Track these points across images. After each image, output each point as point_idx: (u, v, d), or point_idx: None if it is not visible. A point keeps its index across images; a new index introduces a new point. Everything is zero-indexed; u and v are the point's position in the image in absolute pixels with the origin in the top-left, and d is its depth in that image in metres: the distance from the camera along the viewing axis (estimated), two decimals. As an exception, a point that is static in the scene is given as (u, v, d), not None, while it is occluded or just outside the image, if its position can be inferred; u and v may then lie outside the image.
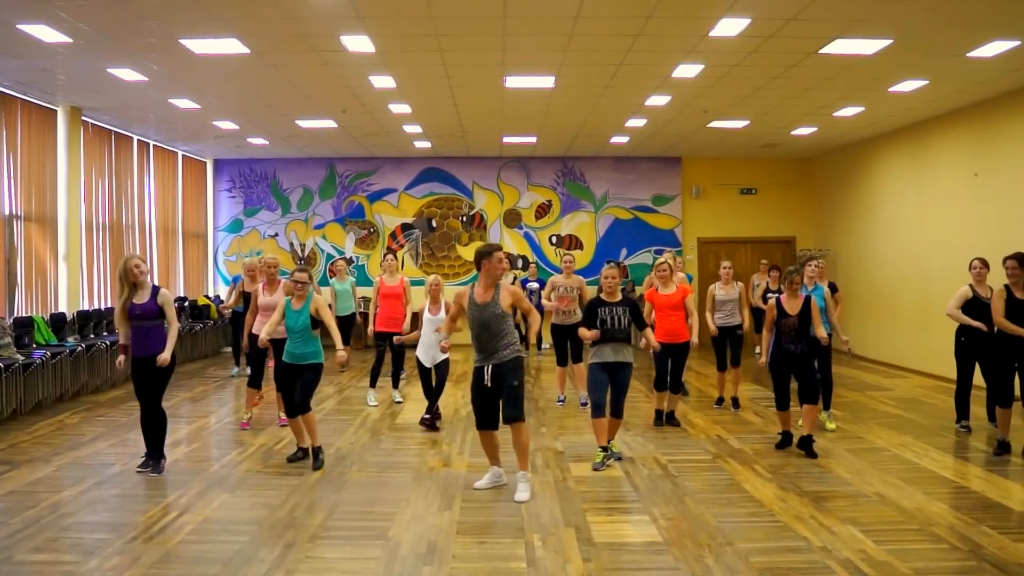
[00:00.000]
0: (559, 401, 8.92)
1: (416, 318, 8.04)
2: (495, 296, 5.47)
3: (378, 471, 6.20)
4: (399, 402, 8.92)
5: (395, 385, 9.04)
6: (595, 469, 6.18)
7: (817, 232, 15.08)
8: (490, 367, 5.47)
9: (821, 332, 6.77)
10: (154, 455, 6.09)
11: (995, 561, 4.30)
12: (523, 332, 13.28)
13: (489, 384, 5.46)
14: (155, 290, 6.00)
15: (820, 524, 4.89)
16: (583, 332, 6.18)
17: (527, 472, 5.59)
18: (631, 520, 5.05)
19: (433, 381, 7.65)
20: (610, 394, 6.27)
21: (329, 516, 5.09)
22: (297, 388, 6.26)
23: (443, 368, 7.65)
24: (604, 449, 6.29)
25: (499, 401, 5.52)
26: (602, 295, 6.32)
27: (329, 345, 6.56)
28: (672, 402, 7.82)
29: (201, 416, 8.41)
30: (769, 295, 8.40)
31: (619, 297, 6.30)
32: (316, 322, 6.32)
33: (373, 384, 9.00)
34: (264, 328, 6.49)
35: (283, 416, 7.82)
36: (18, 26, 6.95)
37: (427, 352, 7.62)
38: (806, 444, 6.62)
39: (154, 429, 6.06)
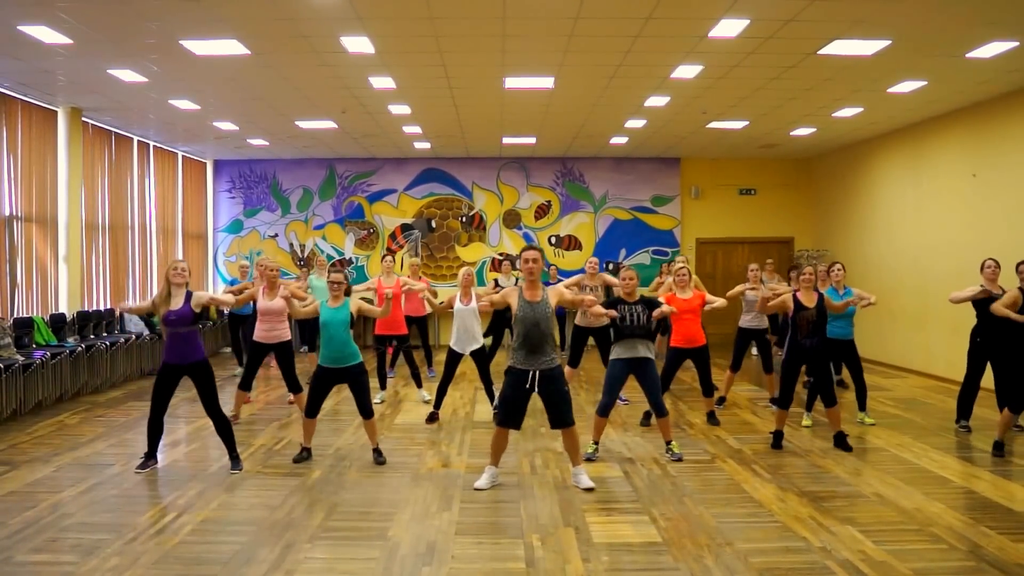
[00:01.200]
0: None
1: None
2: (544, 296, 5.56)
3: (377, 471, 6.21)
4: (428, 400, 8.90)
5: (419, 385, 9.09)
6: (587, 459, 6.34)
7: (816, 233, 15.10)
8: (537, 373, 5.49)
9: (843, 304, 7.04)
10: (232, 456, 6.23)
11: (994, 561, 4.30)
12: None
13: (536, 389, 5.51)
14: (188, 295, 6.02)
15: (819, 524, 4.90)
16: (597, 309, 6.08)
17: (582, 466, 5.83)
18: (630, 520, 5.05)
19: (453, 371, 7.90)
20: (646, 394, 6.42)
21: (328, 516, 5.09)
22: (357, 398, 6.34)
23: (481, 357, 7.92)
24: (596, 444, 6.56)
25: (525, 405, 5.61)
26: (621, 294, 6.41)
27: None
28: (708, 402, 7.90)
29: (201, 416, 8.36)
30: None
31: (637, 297, 6.40)
32: (352, 322, 6.44)
33: (383, 386, 9.11)
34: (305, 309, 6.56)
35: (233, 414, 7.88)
36: (18, 27, 6.96)
37: (461, 341, 7.80)
38: (840, 440, 6.79)
39: (223, 435, 6.20)
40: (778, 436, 6.89)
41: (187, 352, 5.96)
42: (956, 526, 4.87)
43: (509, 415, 5.60)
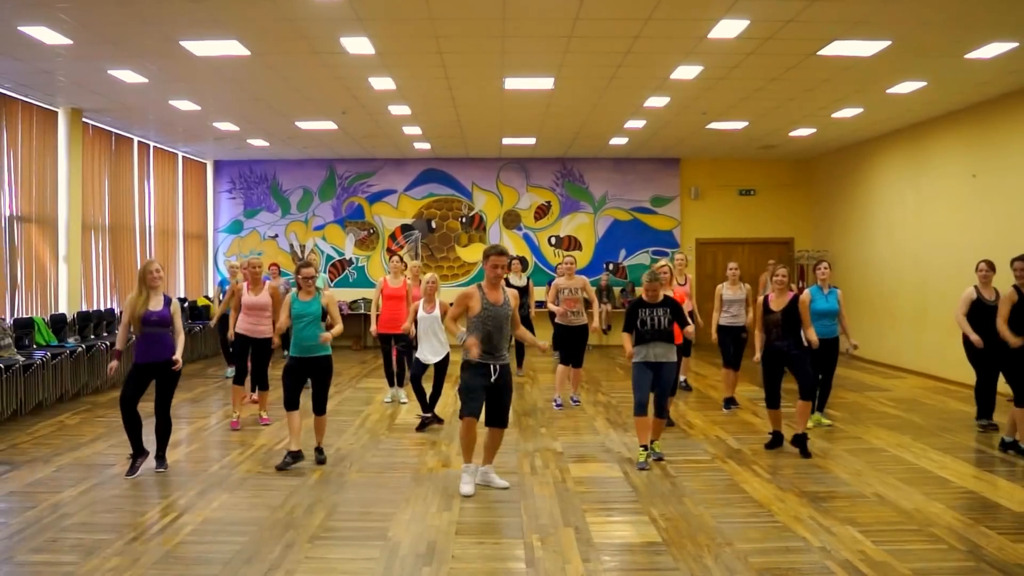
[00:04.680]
0: (556, 405, 8.83)
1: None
2: (504, 297, 5.61)
3: (377, 472, 6.22)
4: (404, 402, 8.92)
5: (400, 384, 9.09)
6: (640, 468, 6.25)
7: (815, 233, 15.10)
8: (498, 366, 5.57)
9: (812, 335, 6.75)
10: (154, 453, 6.21)
11: (994, 562, 4.31)
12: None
13: (498, 382, 5.56)
14: (167, 300, 6.10)
15: (819, 524, 4.91)
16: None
17: (491, 465, 5.86)
18: (630, 520, 5.06)
19: (420, 379, 7.77)
20: (654, 394, 6.35)
21: (329, 516, 5.10)
22: (315, 391, 6.37)
23: (443, 366, 7.74)
24: (645, 448, 6.41)
25: (489, 398, 5.63)
26: (644, 297, 6.37)
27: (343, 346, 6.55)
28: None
29: (201, 417, 8.43)
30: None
31: (661, 299, 6.35)
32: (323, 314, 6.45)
33: (391, 383, 9.14)
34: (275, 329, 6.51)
35: (264, 416, 7.90)
36: (19, 28, 6.96)
37: (427, 350, 7.67)
38: (800, 442, 6.69)
39: (161, 434, 6.22)
40: (776, 436, 6.88)
41: (160, 351, 6.00)
42: (956, 526, 4.87)
43: (476, 404, 5.61)
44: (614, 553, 4.52)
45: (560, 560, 4.37)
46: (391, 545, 4.60)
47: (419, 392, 7.79)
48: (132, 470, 6.07)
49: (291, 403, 6.34)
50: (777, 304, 6.74)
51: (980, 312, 7.18)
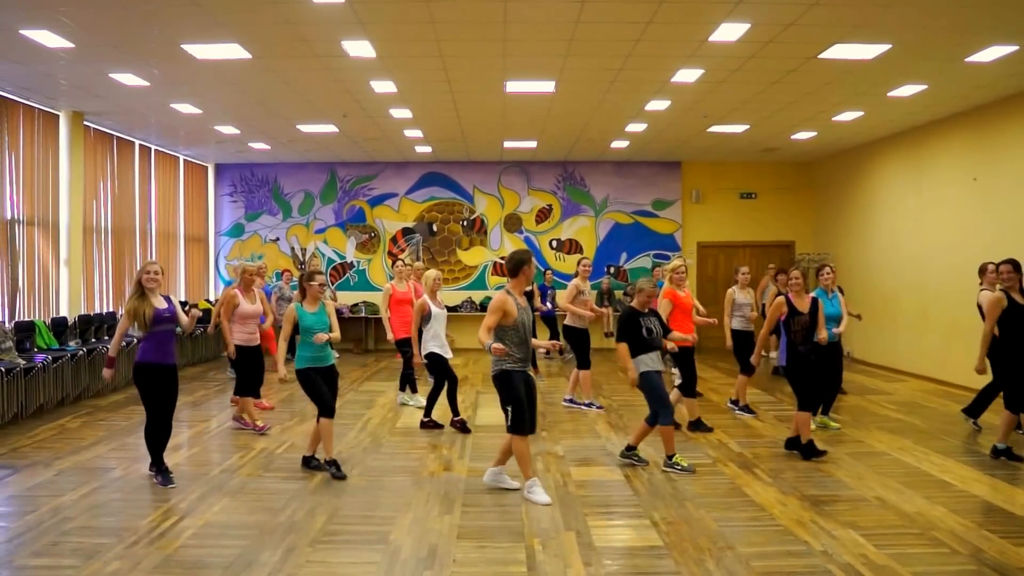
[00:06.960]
0: (595, 407, 8.82)
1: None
2: (526, 303, 5.63)
3: (379, 475, 6.21)
4: (421, 405, 8.88)
5: (414, 390, 9.14)
6: (687, 471, 6.20)
7: (817, 236, 15.10)
8: (525, 374, 5.56)
9: (823, 334, 6.85)
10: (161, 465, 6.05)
11: (996, 565, 4.30)
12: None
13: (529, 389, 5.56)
14: (167, 298, 5.99)
15: (821, 528, 4.90)
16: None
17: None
18: (632, 524, 5.06)
19: (443, 375, 7.70)
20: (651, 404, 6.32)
21: (330, 520, 5.09)
22: (328, 394, 6.23)
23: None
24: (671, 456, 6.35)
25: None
26: (635, 305, 6.35)
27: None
28: (690, 404, 7.73)
29: (202, 420, 8.42)
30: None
31: (647, 310, 6.38)
32: None
33: (414, 389, 9.19)
34: (280, 345, 6.34)
35: (259, 424, 7.73)
36: (21, 31, 6.98)
37: (445, 346, 7.66)
38: (802, 447, 6.69)
39: (163, 442, 5.99)
40: (805, 442, 6.67)
41: (169, 352, 5.91)
42: (957, 530, 4.86)
43: (530, 419, 5.57)
44: (615, 557, 4.51)
45: (561, 564, 4.36)
46: (392, 549, 4.59)
47: (451, 392, 7.75)
48: (166, 480, 5.85)
49: (330, 409, 6.19)
50: (802, 306, 6.71)
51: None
